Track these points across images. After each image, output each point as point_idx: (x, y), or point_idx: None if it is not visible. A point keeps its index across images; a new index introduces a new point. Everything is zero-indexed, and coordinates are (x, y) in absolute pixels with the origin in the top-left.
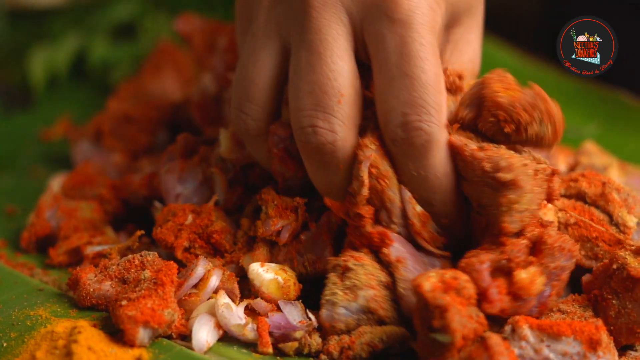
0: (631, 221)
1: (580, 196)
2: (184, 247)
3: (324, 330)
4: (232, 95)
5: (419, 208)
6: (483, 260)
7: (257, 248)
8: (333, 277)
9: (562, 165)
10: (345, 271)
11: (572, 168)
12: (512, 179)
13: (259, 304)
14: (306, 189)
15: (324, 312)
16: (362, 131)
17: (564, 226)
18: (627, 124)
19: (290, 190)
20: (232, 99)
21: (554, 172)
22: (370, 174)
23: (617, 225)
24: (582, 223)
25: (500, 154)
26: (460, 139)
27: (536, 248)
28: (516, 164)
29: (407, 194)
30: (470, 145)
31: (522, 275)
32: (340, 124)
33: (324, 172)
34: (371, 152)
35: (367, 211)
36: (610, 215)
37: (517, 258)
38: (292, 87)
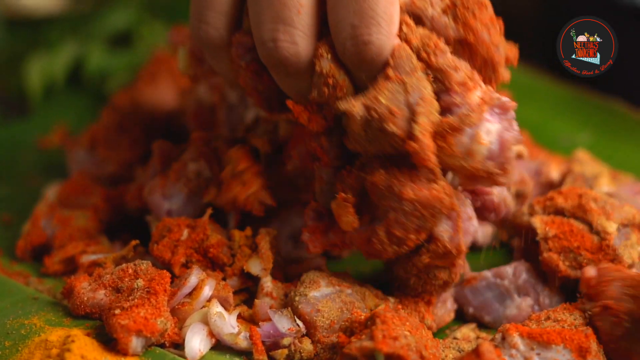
0: (611, 227)
1: (558, 212)
2: (181, 263)
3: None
4: (191, 7)
5: None
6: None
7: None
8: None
9: (554, 172)
10: None
11: (564, 175)
12: (343, 110)
13: (263, 303)
14: (282, 97)
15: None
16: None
17: (544, 240)
18: (620, 132)
19: (269, 101)
20: (190, 11)
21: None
22: (327, 84)
23: (597, 233)
24: (562, 234)
25: (375, 90)
26: (401, 53)
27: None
28: (352, 105)
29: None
30: (389, 72)
31: (332, 205)
32: (301, 34)
33: (291, 81)
34: (327, 62)
35: (318, 123)
36: (590, 224)
37: (342, 187)
38: (250, 1)
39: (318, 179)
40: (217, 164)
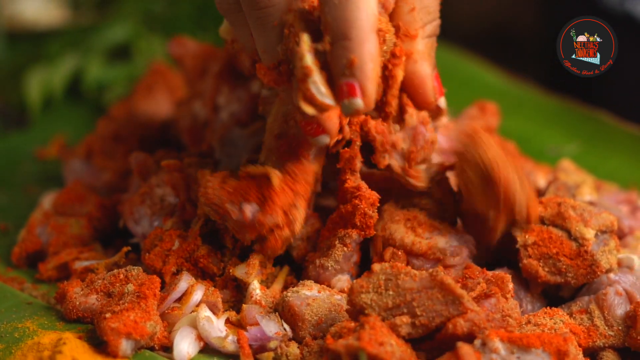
0: (589, 233)
1: (538, 220)
2: (172, 272)
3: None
4: None
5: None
6: None
7: None
8: None
9: (542, 180)
10: None
11: (549, 184)
12: None
13: (251, 308)
14: None
15: None
16: None
17: (523, 247)
18: (607, 144)
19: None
20: None
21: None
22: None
23: (576, 239)
24: (541, 241)
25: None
26: None
27: None
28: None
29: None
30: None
31: None
32: None
33: (260, 31)
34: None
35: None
36: (568, 231)
37: None
38: None
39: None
40: (186, 190)
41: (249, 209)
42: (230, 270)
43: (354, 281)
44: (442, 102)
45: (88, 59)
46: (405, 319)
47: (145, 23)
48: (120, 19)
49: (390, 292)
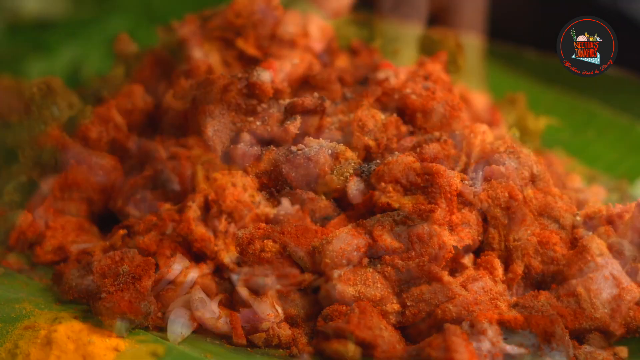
0: (576, 221)
1: None
2: (166, 257)
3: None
4: None
5: None
6: None
7: None
8: None
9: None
10: None
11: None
12: None
13: (243, 290)
14: None
15: None
16: None
17: None
18: (599, 133)
19: None
20: None
21: None
22: None
23: (564, 228)
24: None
25: None
26: None
27: None
28: None
29: None
30: None
31: None
32: None
33: None
34: None
35: None
36: (557, 221)
37: None
38: None
39: None
40: (190, 179)
41: None
42: (221, 257)
43: (341, 273)
44: None
45: (88, 49)
46: (396, 306)
47: (144, 15)
48: (120, 11)
49: (379, 285)
